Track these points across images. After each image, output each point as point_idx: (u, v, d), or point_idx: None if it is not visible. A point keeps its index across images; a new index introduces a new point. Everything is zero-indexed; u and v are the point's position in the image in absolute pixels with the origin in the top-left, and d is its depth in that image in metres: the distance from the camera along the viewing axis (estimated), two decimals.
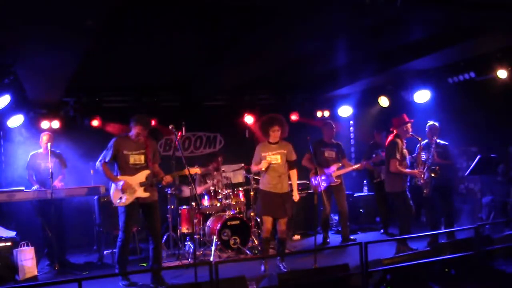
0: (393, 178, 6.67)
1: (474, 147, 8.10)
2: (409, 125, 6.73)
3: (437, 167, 6.92)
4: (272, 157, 6.13)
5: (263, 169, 6.11)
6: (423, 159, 6.86)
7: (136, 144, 5.79)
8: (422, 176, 6.72)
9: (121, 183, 5.64)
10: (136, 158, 5.79)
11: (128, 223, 5.73)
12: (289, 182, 6.31)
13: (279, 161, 6.13)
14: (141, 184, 5.76)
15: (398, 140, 6.70)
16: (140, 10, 4.96)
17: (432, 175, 6.91)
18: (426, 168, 6.81)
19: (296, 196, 6.30)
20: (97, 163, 5.77)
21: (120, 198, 5.67)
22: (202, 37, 5.96)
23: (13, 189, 6.45)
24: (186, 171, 5.92)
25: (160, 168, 6.03)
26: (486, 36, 5.86)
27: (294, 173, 6.31)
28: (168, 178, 5.91)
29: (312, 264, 6.05)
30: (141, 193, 5.77)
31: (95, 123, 8.06)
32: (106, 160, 5.69)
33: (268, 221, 6.20)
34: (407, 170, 6.68)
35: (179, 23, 5.39)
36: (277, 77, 8.27)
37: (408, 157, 6.82)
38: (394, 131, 6.79)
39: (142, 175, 5.79)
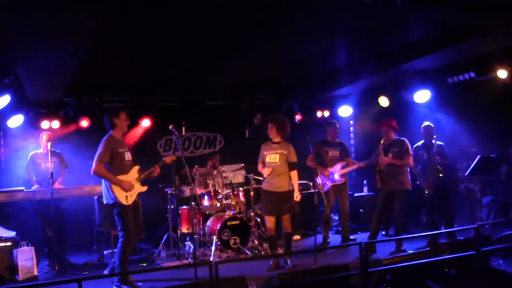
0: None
1: (474, 147, 8.09)
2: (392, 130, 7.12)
3: (440, 167, 6.93)
4: (271, 156, 6.27)
5: (265, 175, 6.29)
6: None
7: (121, 141, 5.82)
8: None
9: (126, 182, 5.64)
10: (128, 155, 5.81)
11: (130, 222, 5.70)
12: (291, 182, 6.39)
13: (277, 160, 6.25)
14: (137, 180, 5.80)
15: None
16: (139, 9, 4.95)
17: (440, 175, 6.94)
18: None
19: (297, 196, 6.37)
20: (95, 166, 5.52)
21: (126, 197, 5.64)
22: (202, 37, 5.95)
23: (13, 189, 6.46)
24: (166, 160, 6.18)
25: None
26: (486, 36, 5.85)
27: (294, 174, 6.38)
28: (157, 169, 5.97)
29: (312, 264, 6.06)
30: (139, 188, 5.82)
31: (95, 123, 8.04)
32: (105, 161, 5.56)
33: (270, 220, 6.31)
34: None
35: (179, 22, 5.37)
36: (277, 77, 8.27)
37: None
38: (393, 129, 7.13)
39: (134, 171, 5.84)
